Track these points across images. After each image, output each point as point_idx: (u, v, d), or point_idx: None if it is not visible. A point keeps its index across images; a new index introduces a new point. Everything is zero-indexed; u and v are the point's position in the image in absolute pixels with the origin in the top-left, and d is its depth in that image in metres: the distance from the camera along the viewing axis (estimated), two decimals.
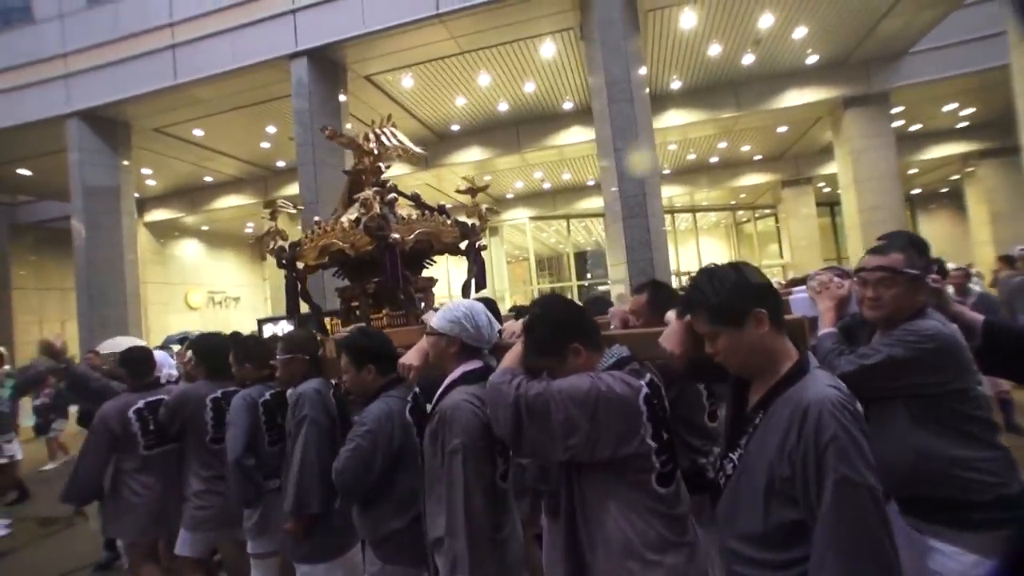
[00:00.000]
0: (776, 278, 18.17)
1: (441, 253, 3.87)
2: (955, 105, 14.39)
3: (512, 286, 20.18)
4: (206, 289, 19.07)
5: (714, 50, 11.20)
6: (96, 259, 11.56)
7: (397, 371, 2.18)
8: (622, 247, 8.43)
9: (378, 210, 3.83)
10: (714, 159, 17.22)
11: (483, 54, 10.56)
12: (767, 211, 20.52)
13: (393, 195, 3.82)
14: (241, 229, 19.80)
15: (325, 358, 2.81)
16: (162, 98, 11.05)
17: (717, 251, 21.81)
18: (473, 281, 3.83)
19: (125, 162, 12.22)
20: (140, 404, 3.19)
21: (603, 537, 1.51)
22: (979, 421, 1.70)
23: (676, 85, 12.53)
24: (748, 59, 11.73)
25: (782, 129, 14.87)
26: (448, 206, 3.96)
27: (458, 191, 4.35)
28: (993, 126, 15.95)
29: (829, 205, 19.80)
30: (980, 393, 1.74)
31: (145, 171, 14.97)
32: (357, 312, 3.79)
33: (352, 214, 3.70)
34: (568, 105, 13.34)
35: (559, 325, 1.66)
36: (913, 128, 15.43)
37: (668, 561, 1.46)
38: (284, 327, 10.14)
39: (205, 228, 18.90)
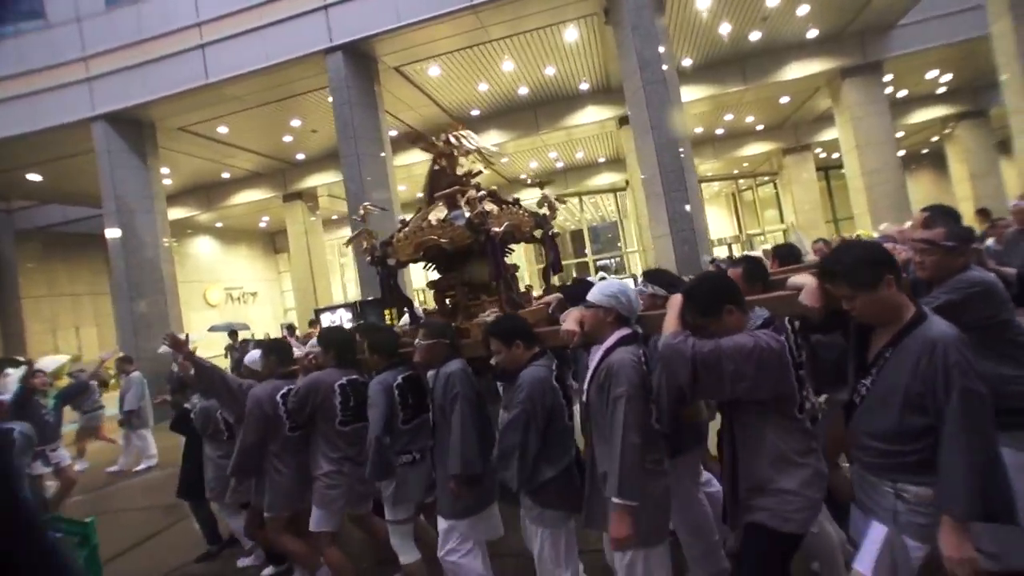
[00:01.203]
0: (766, 245, 19.09)
1: (520, 242, 4.26)
2: (936, 72, 15.33)
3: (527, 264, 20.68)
4: (223, 285, 19.19)
5: (724, 28, 11.80)
6: (133, 260, 11.74)
7: (537, 345, 2.70)
8: (664, 220, 9.06)
9: (482, 207, 4.36)
10: (720, 131, 17.93)
11: (509, 41, 10.97)
12: (766, 179, 21.39)
13: (485, 192, 4.32)
14: (256, 224, 19.89)
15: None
16: (191, 97, 11.20)
17: (720, 219, 22.65)
18: (551, 265, 4.22)
19: (153, 161, 12.33)
20: (285, 389, 3.44)
21: (764, 451, 2.04)
22: (1017, 345, 2.27)
23: (687, 63, 13.11)
24: (755, 35, 12.37)
25: (784, 100, 15.63)
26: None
27: (529, 185, 4.74)
28: (969, 91, 17.02)
29: (826, 170, 20.75)
30: (1020, 323, 2.33)
31: (163, 170, 15.01)
32: (452, 301, 4.25)
33: (441, 211, 4.15)
34: (584, 86, 13.82)
35: (716, 291, 2.11)
36: (900, 95, 16.34)
37: (810, 462, 2.03)
38: (342, 315, 10.58)
39: (219, 224, 18.96)
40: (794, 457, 2.01)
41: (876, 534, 1.80)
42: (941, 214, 2.56)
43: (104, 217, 11.90)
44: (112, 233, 11.72)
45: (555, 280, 4.61)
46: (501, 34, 10.59)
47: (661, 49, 9.02)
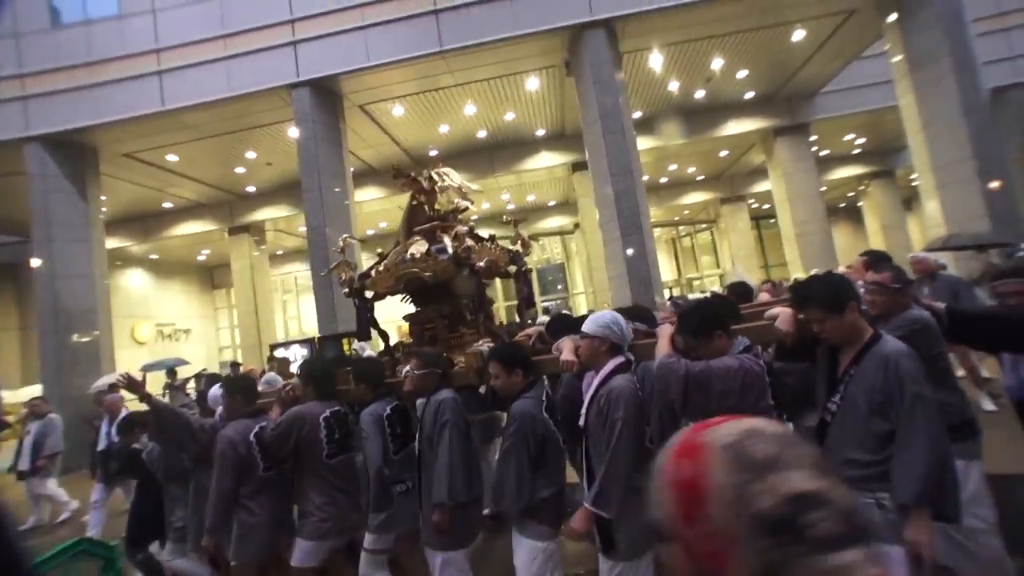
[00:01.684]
0: (715, 287, 20.17)
1: (495, 277, 4.45)
2: (852, 135, 17.06)
3: None
4: (154, 321, 18.01)
5: (673, 85, 12.73)
6: (65, 292, 10.92)
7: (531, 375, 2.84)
8: (621, 261, 9.47)
9: (468, 243, 4.56)
10: (663, 179, 18.99)
11: (474, 86, 11.36)
12: (704, 226, 22.71)
13: (469, 228, 4.54)
14: (193, 257, 18.97)
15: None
16: (143, 124, 10.80)
17: (661, 263, 23.65)
18: (524, 300, 4.45)
19: (94, 188, 11.67)
20: (257, 428, 3.30)
21: None
22: (949, 373, 2.63)
23: (637, 115, 13.96)
24: (700, 93, 13.40)
25: (723, 153, 16.84)
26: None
27: (504, 222, 4.93)
28: (879, 153, 18.99)
29: (758, 219, 22.28)
30: (947, 355, 2.72)
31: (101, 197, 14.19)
32: (430, 333, 4.36)
33: (421, 245, 4.31)
34: (540, 132, 14.40)
35: (707, 317, 2.38)
36: (823, 153, 18.01)
37: None
38: (296, 352, 10.23)
39: (154, 256, 17.94)
40: None
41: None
42: (879, 260, 2.94)
43: (34, 245, 11.06)
44: (40, 263, 10.90)
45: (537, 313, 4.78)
46: (467, 79, 10.96)
47: (621, 101, 9.62)
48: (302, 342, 9.79)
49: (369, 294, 4.63)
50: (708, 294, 9.04)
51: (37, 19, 11.07)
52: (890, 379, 1.98)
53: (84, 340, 10.99)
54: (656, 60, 11.35)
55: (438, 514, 2.75)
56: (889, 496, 1.97)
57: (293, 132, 10.75)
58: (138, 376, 3.56)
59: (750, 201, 20.66)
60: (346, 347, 8.79)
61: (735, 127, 14.54)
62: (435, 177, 4.72)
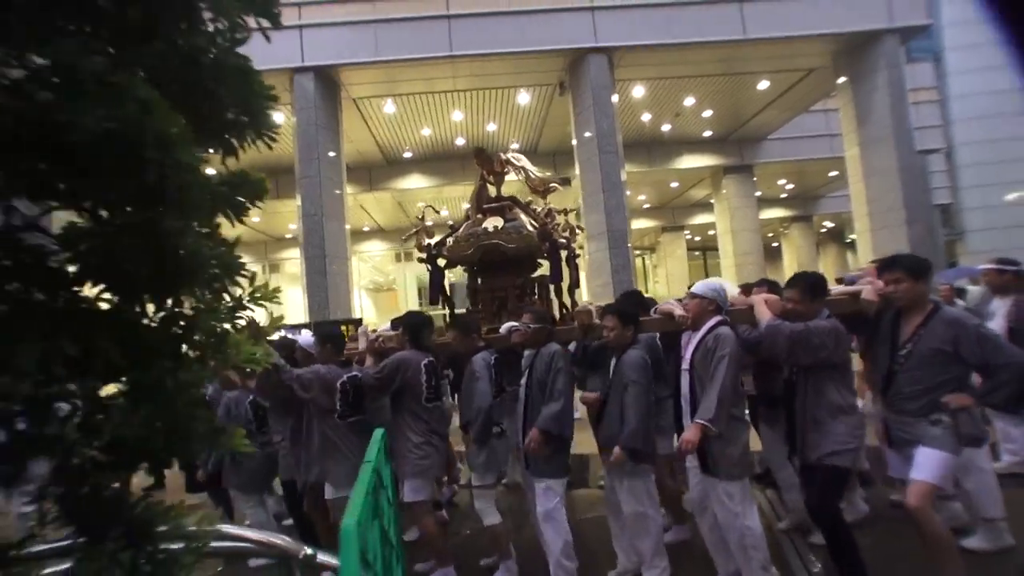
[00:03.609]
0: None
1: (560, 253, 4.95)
2: (784, 180, 19.17)
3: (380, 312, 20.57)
4: None
5: (646, 116, 13.80)
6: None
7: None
8: (608, 271, 10.15)
9: (558, 220, 5.19)
10: None
11: (469, 93, 11.72)
12: (638, 252, 24.21)
13: (549, 207, 5.21)
14: None
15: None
16: None
17: None
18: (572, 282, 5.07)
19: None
20: (346, 377, 3.51)
21: (827, 402, 2.89)
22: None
23: None
24: (666, 127, 14.60)
25: (674, 184, 18.26)
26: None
27: (561, 212, 5.41)
28: (801, 199, 21.42)
29: (692, 249, 24.14)
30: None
31: None
32: (500, 300, 4.83)
33: (497, 220, 4.83)
34: (515, 145, 14.94)
35: (816, 284, 3.01)
36: (757, 194, 20.02)
37: (856, 413, 2.92)
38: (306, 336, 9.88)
39: None
40: (846, 408, 2.88)
41: (926, 455, 2.66)
42: (886, 265, 3.77)
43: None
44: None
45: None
46: (466, 87, 11.30)
47: (616, 124, 10.39)
48: (296, 327, 9.49)
49: (441, 262, 5.01)
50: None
51: None
52: (958, 333, 2.64)
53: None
54: (639, 91, 12.33)
55: (537, 439, 3.16)
56: (943, 415, 2.64)
57: (278, 117, 10.50)
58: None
59: (686, 233, 22.41)
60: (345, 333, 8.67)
61: (690, 162, 15.92)
62: (513, 160, 5.23)
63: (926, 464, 2.65)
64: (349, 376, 3.51)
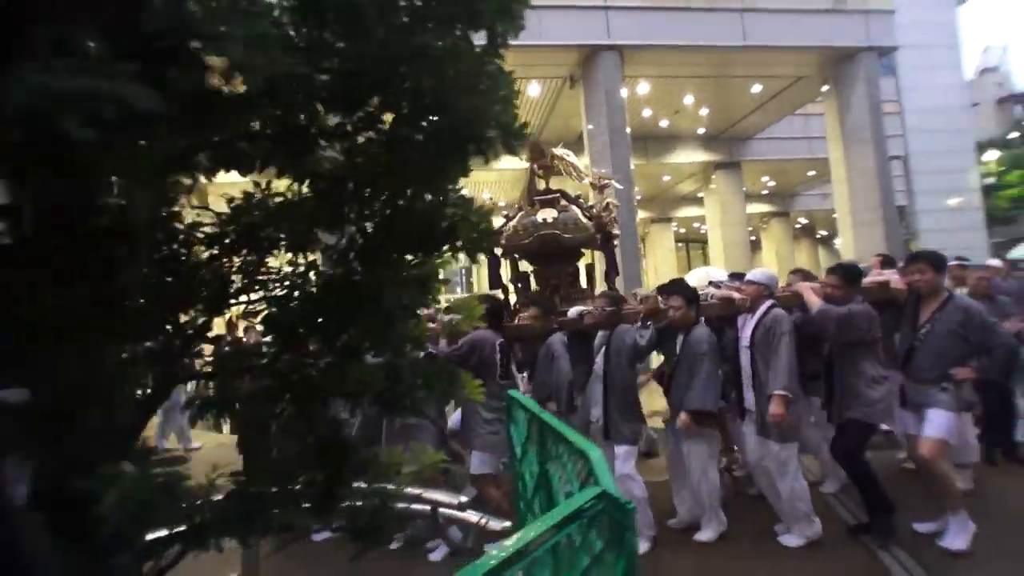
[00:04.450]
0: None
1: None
2: (767, 178, 20.13)
3: None
4: None
5: (646, 112, 14.42)
6: None
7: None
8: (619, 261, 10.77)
9: (613, 213, 5.72)
10: None
11: None
12: None
13: (608, 200, 5.69)
14: None
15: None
16: None
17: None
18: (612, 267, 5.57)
19: None
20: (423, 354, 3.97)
21: (860, 374, 3.42)
22: None
23: None
24: (664, 123, 15.26)
25: (666, 178, 19.00)
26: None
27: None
28: (780, 196, 22.49)
29: (678, 241, 25.05)
30: None
31: None
32: (553, 287, 5.35)
33: (551, 212, 5.27)
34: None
35: (853, 272, 3.68)
36: (743, 190, 20.99)
37: (886, 383, 3.51)
38: None
39: None
40: (879, 378, 3.53)
41: (936, 414, 3.31)
42: (887, 260, 4.44)
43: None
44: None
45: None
46: None
47: (625, 118, 10.98)
48: None
49: (498, 250, 5.44)
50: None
51: None
52: (968, 318, 3.29)
53: None
54: (643, 88, 12.92)
55: (690, 416, 3.59)
56: (950, 385, 3.30)
57: None
58: None
59: (674, 225, 23.28)
60: None
61: (684, 156, 16.66)
62: (564, 156, 5.71)
63: (936, 422, 3.29)
64: (425, 355, 3.83)
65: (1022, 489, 4.09)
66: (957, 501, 3.34)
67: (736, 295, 3.93)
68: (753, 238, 25.88)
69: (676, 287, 4.01)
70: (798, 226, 26.36)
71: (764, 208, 22.59)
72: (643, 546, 3.56)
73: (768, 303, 3.63)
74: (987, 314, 3.50)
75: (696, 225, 23.46)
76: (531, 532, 1.01)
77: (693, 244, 27.06)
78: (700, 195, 19.00)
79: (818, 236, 28.36)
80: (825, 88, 12.50)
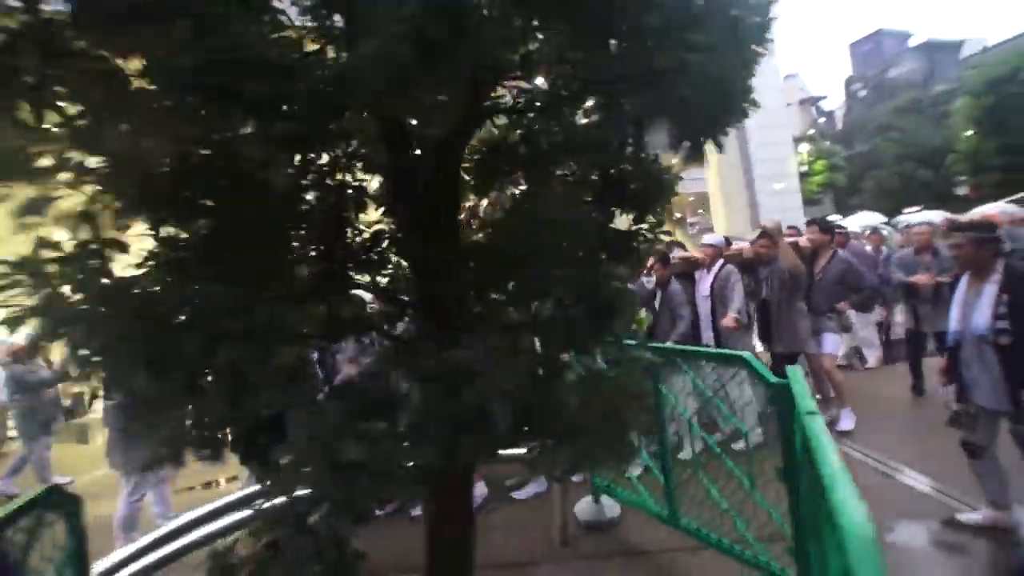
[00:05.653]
0: None
1: None
2: None
3: None
4: None
5: None
6: None
7: None
8: None
9: None
10: None
11: None
12: None
13: None
14: None
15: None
16: None
17: None
18: None
19: None
20: None
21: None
22: None
23: None
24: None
25: None
26: None
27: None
28: None
29: None
30: None
31: None
32: None
33: None
34: None
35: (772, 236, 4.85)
36: None
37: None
38: None
39: None
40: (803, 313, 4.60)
41: (828, 337, 4.74)
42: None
43: None
44: None
45: None
46: None
47: None
48: None
49: None
50: None
51: None
52: (849, 268, 4.75)
53: None
54: None
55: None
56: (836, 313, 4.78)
57: None
58: None
59: None
60: None
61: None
62: None
63: (828, 342, 4.76)
64: None
65: (891, 386, 5.85)
66: (846, 397, 4.83)
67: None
68: None
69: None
70: None
71: None
72: None
73: (720, 261, 4.84)
74: (859, 265, 5.00)
75: None
76: None
77: None
78: None
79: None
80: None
